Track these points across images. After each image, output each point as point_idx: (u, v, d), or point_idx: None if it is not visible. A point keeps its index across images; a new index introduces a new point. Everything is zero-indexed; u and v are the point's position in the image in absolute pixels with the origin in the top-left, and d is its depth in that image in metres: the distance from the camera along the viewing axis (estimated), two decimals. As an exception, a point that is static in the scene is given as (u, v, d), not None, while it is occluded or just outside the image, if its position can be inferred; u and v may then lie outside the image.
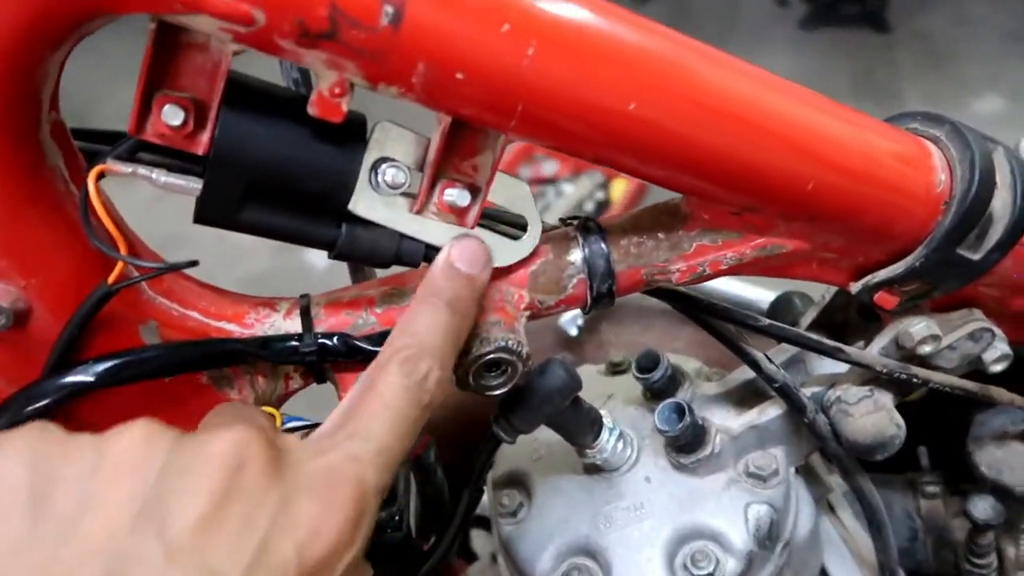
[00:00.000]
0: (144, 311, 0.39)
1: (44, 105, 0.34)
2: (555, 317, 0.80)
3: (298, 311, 0.43)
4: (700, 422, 0.52)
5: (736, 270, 0.46)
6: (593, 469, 0.55)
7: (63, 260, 0.36)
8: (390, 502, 0.52)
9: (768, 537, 0.52)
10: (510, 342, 0.42)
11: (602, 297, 0.44)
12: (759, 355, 0.51)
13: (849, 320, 0.57)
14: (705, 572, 0.50)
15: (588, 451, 0.53)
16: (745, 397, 0.57)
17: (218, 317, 0.42)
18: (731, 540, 0.51)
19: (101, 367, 0.38)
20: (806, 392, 0.53)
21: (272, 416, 0.40)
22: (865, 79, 2.73)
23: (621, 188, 2.39)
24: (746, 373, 0.57)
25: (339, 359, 0.42)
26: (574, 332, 0.77)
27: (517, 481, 0.58)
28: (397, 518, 0.51)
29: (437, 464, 0.55)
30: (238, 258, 2.08)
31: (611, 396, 0.59)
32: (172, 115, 0.34)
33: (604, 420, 0.53)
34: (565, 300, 0.44)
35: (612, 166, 0.40)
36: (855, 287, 0.48)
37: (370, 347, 0.42)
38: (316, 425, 0.46)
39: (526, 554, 0.54)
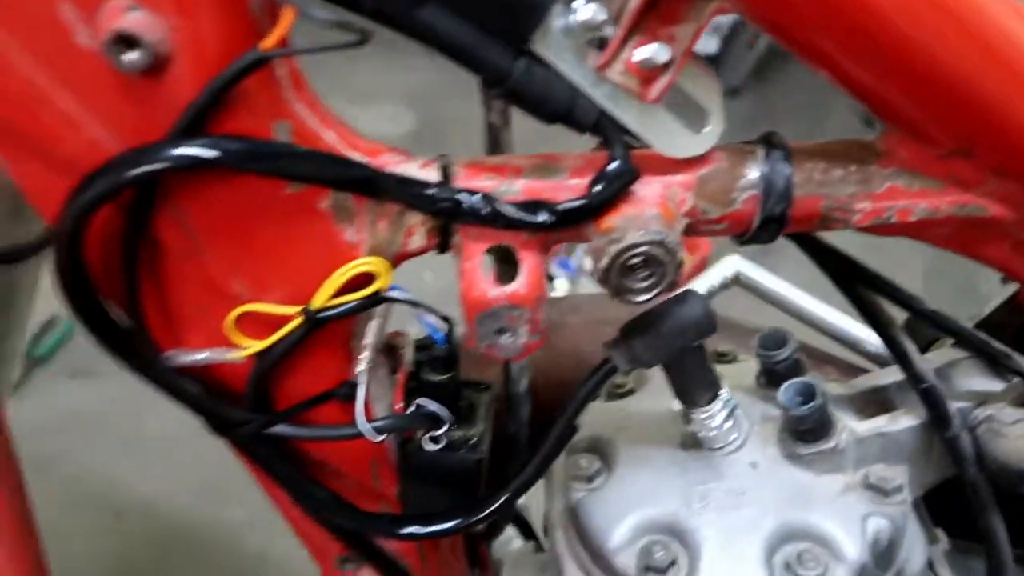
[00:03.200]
0: (282, 109, 0.35)
1: None
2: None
3: (436, 165, 0.39)
4: (828, 411, 0.46)
5: (923, 227, 0.40)
6: (691, 443, 0.49)
7: (223, 9, 0.32)
8: (469, 422, 0.46)
9: (884, 556, 0.45)
10: (667, 239, 0.37)
11: (771, 221, 0.39)
12: (910, 347, 0.45)
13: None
14: (813, 574, 0.43)
15: (694, 416, 0.47)
16: (871, 405, 0.51)
17: (353, 146, 0.38)
18: (843, 548, 0.44)
19: (232, 145, 0.33)
20: (952, 406, 0.47)
21: None
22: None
23: (686, 263, 2.33)
24: (874, 380, 0.51)
25: (474, 220, 0.37)
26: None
27: (598, 448, 0.52)
28: (475, 441, 0.46)
29: (527, 398, 0.49)
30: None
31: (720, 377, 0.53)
32: None
33: (722, 390, 0.47)
34: (730, 216, 0.40)
35: (823, 62, 0.35)
36: (1046, 284, 0.42)
37: (514, 213, 0.37)
38: (415, 303, 0.41)
39: (599, 523, 0.48)
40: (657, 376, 0.57)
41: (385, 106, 2.50)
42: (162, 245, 0.37)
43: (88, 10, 0.31)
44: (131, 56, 0.31)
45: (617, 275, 0.38)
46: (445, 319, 0.44)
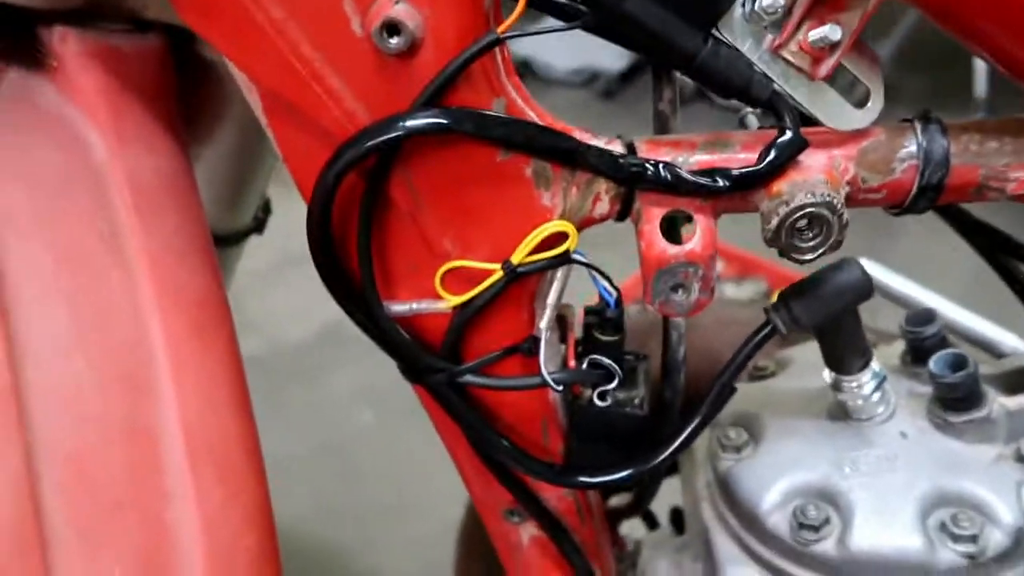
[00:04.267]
0: (499, 88, 0.42)
1: None
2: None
3: (621, 142, 0.44)
4: (980, 381, 0.48)
5: (1077, 199, 0.43)
6: (840, 414, 0.52)
7: (464, 5, 0.39)
8: (632, 385, 0.51)
9: (1041, 524, 0.46)
10: (835, 200, 0.41)
11: (928, 190, 0.43)
12: (1064, 321, 0.47)
13: None
14: (968, 533, 0.45)
15: (845, 384, 0.50)
16: (1021, 384, 0.53)
17: (551, 124, 0.44)
18: (999, 513, 0.46)
19: (463, 114, 0.40)
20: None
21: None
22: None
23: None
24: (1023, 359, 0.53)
25: (658, 187, 0.43)
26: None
27: (744, 422, 0.56)
28: (638, 401, 0.50)
29: (683, 366, 0.53)
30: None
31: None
32: None
33: (873, 361, 0.50)
34: (890, 184, 0.43)
35: (977, 39, 0.39)
36: None
37: (693, 179, 0.42)
38: (593, 267, 0.46)
39: (750, 488, 0.51)
40: (798, 360, 0.61)
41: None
42: (391, 205, 0.44)
43: (364, 3, 0.38)
44: (395, 40, 0.38)
45: (787, 235, 0.42)
46: (615, 287, 0.49)
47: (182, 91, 0.51)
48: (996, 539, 0.45)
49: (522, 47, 2.88)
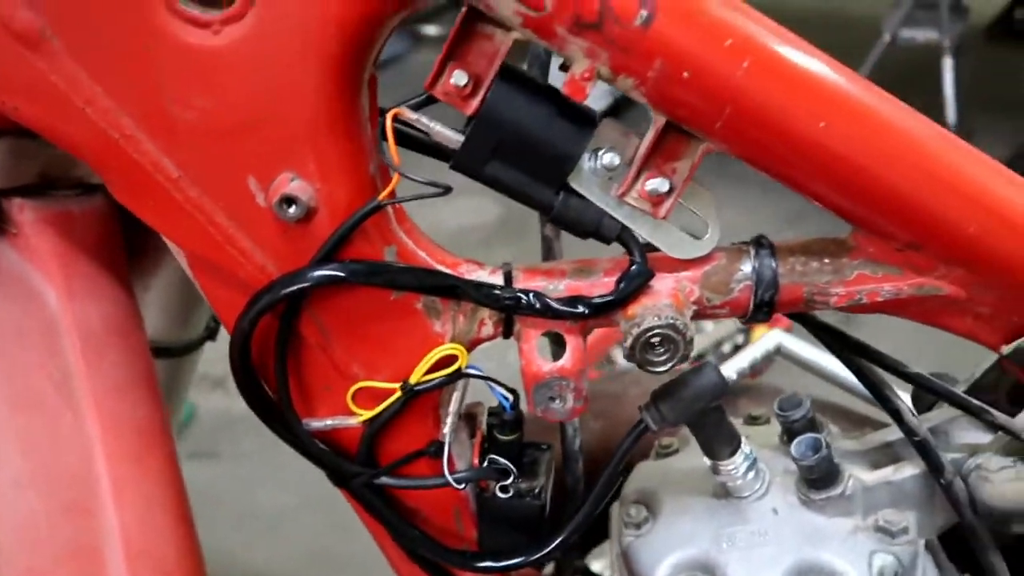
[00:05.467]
0: (390, 237, 0.49)
1: (371, 63, 0.46)
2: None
3: (501, 272, 0.51)
4: (835, 462, 0.55)
5: (893, 306, 0.50)
6: (722, 493, 0.58)
7: (350, 176, 0.46)
8: (533, 475, 0.57)
9: (892, 589, 0.52)
10: (678, 322, 0.48)
11: (763, 306, 0.50)
12: (903, 405, 0.54)
13: (996, 403, 0.58)
14: (824, 603, 0.51)
15: (721, 468, 0.56)
16: (882, 460, 0.59)
17: (440, 261, 0.51)
18: (853, 580, 0.52)
19: (356, 266, 0.47)
20: (946, 456, 0.54)
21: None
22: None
23: (760, 335, 2.39)
24: (883, 436, 0.59)
25: (530, 313, 0.50)
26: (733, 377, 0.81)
27: (645, 498, 0.62)
28: (537, 491, 0.56)
29: (580, 455, 0.60)
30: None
31: (748, 436, 0.62)
32: (459, 78, 0.45)
33: (743, 445, 0.56)
34: (729, 303, 0.50)
35: (794, 185, 0.47)
36: (1006, 349, 0.50)
37: (559, 307, 0.49)
38: (487, 377, 0.53)
39: (645, 563, 0.57)
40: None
41: (472, 200, 2.71)
42: (303, 340, 0.51)
43: (265, 181, 0.46)
44: (293, 210, 0.45)
45: (640, 351, 0.49)
46: (512, 391, 0.56)
47: (128, 229, 0.58)
48: (851, 604, 0.51)
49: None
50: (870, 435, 0.60)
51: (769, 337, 0.79)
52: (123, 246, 0.57)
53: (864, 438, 0.60)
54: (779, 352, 0.79)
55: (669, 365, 0.49)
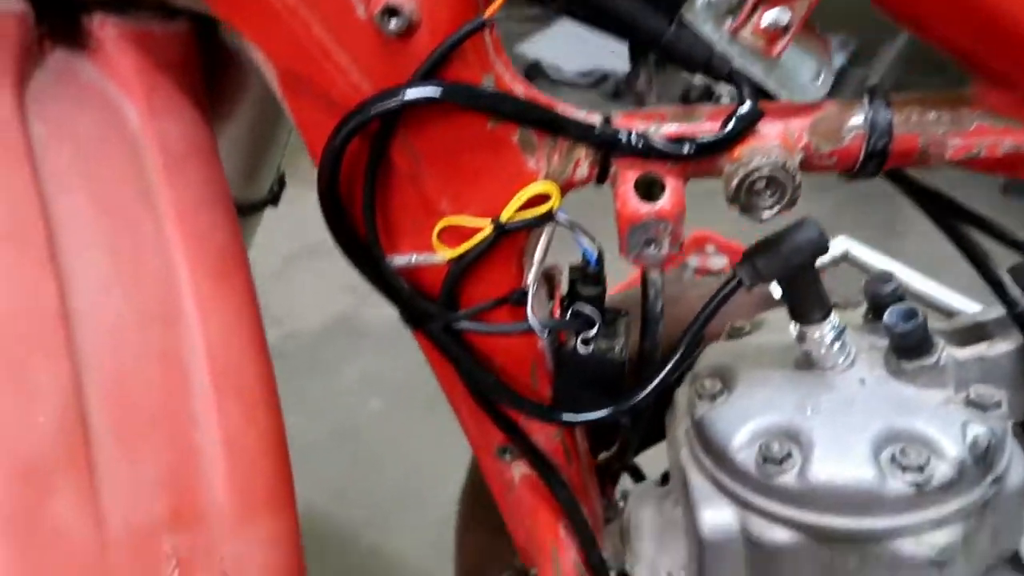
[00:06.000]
0: (488, 64, 0.47)
1: None
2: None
3: (599, 116, 0.49)
4: (930, 331, 0.53)
5: (1010, 163, 0.48)
6: (805, 365, 0.57)
7: (454, -11, 0.44)
8: (612, 335, 0.56)
9: (983, 458, 0.51)
10: (788, 163, 0.46)
11: (874, 156, 0.48)
12: (1005, 277, 0.52)
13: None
14: (915, 464, 0.50)
15: (808, 335, 0.55)
16: (973, 339, 0.57)
17: (535, 97, 0.49)
18: (944, 447, 0.51)
19: (456, 88, 0.45)
20: (1046, 332, 0.53)
21: None
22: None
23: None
24: (975, 317, 0.57)
25: (630, 152, 0.48)
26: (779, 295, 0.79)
27: (720, 373, 0.60)
28: (618, 349, 0.55)
29: (661, 319, 0.58)
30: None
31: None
32: None
33: (832, 313, 0.55)
34: (839, 152, 0.48)
35: (919, 26, 0.44)
36: None
37: (663, 145, 0.47)
38: (576, 224, 0.51)
39: (721, 430, 0.56)
40: (771, 320, 0.65)
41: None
42: (393, 168, 0.49)
43: (367, -10, 0.44)
44: (394, 23, 0.43)
45: (746, 194, 0.47)
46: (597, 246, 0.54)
47: (207, 73, 0.56)
48: (941, 470, 0.50)
49: (533, 50, 2.94)
50: (961, 316, 0.58)
51: (836, 242, 0.77)
52: (202, 76, 0.55)
53: (955, 319, 0.58)
54: (846, 258, 0.77)
55: (775, 211, 0.47)
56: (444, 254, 0.51)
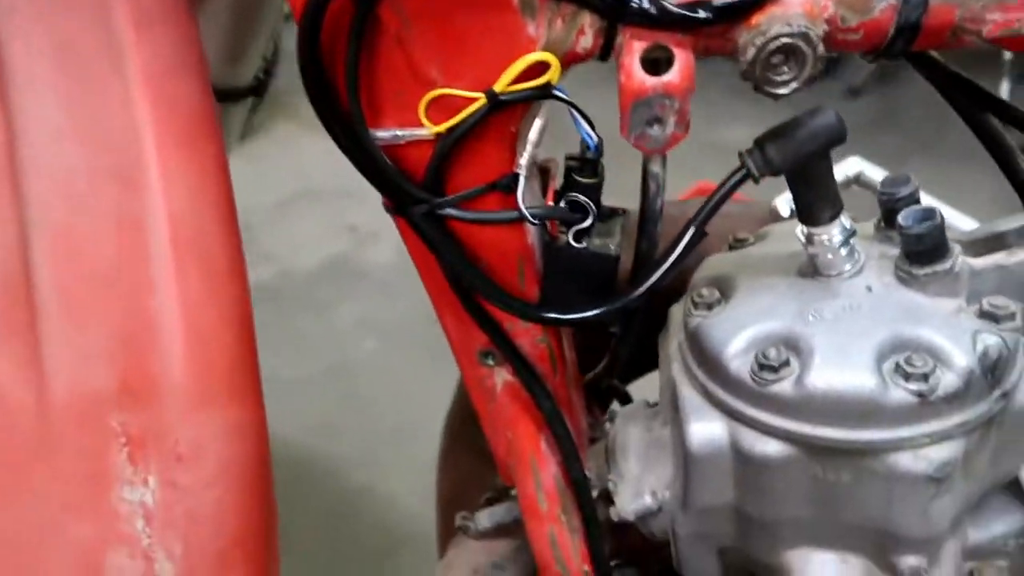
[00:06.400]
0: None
1: None
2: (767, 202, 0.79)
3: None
4: (946, 236, 0.50)
5: (1051, 45, 0.44)
6: (810, 271, 0.53)
7: None
8: (607, 233, 0.52)
9: (992, 370, 0.48)
10: (811, 32, 0.42)
11: (905, 31, 0.44)
12: (1029, 173, 0.48)
13: None
14: (919, 372, 0.47)
15: (816, 236, 0.51)
16: (990, 249, 0.54)
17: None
18: (952, 357, 0.48)
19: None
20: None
21: None
22: None
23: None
24: (994, 227, 0.54)
25: (641, 19, 0.44)
26: (786, 213, 0.76)
27: (718, 283, 0.57)
28: (613, 246, 0.52)
29: (660, 217, 0.54)
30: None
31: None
32: None
33: (842, 214, 0.51)
34: (867, 24, 0.44)
35: None
36: None
37: (677, 11, 0.43)
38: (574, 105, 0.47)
39: (716, 339, 0.53)
40: (775, 231, 0.62)
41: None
42: (380, 28, 0.45)
43: None
44: None
45: (762, 67, 0.43)
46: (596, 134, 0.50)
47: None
48: (947, 380, 0.47)
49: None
50: (980, 227, 0.55)
51: (849, 163, 0.73)
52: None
53: (974, 229, 0.55)
54: (858, 180, 0.73)
55: (792, 86, 0.44)
56: (431, 128, 0.47)
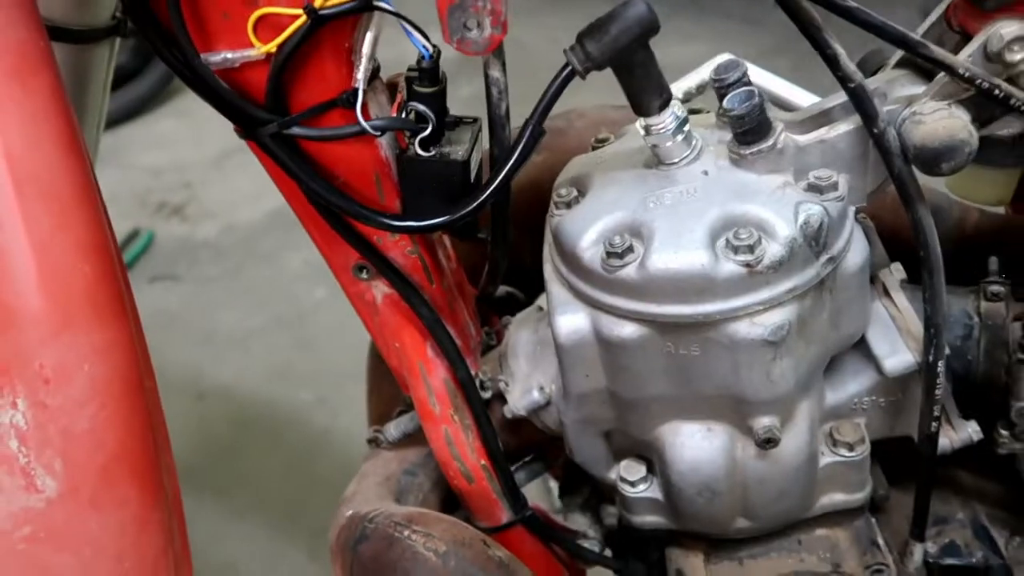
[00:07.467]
0: None
1: None
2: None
3: None
4: (768, 116, 0.53)
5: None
6: (653, 162, 0.56)
7: None
8: (457, 142, 0.54)
9: (815, 237, 0.51)
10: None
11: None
12: (839, 50, 0.51)
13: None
14: (745, 244, 0.50)
15: (651, 126, 0.54)
16: (818, 126, 0.57)
17: None
18: (776, 228, 0.51)
19: None
20: (882, 109, 0.52)
21: None
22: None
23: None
24: (822, 104, 0.57)
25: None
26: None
27: (577, 182, 0.60)
28: (461, 153, 0.54)
29: (507, 120, 0.56)
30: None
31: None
32: None
33: (673, 103, 0.54)
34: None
35: None
36: None
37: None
38: (401, 16, 0.49)
39: (571, 232, 0.56)
40: (631, 128, 0.64)
41: None
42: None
43: None
44: None
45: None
46: (434, 46, 0.52)
47: None
48: (772, 250, 0.51)
49: None
50: (811, 105, 0.58)
51: (719, 59, 0.75)
52: None
53: (802, 109, 0.58)
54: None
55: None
56: (259, 48, 0.48)
